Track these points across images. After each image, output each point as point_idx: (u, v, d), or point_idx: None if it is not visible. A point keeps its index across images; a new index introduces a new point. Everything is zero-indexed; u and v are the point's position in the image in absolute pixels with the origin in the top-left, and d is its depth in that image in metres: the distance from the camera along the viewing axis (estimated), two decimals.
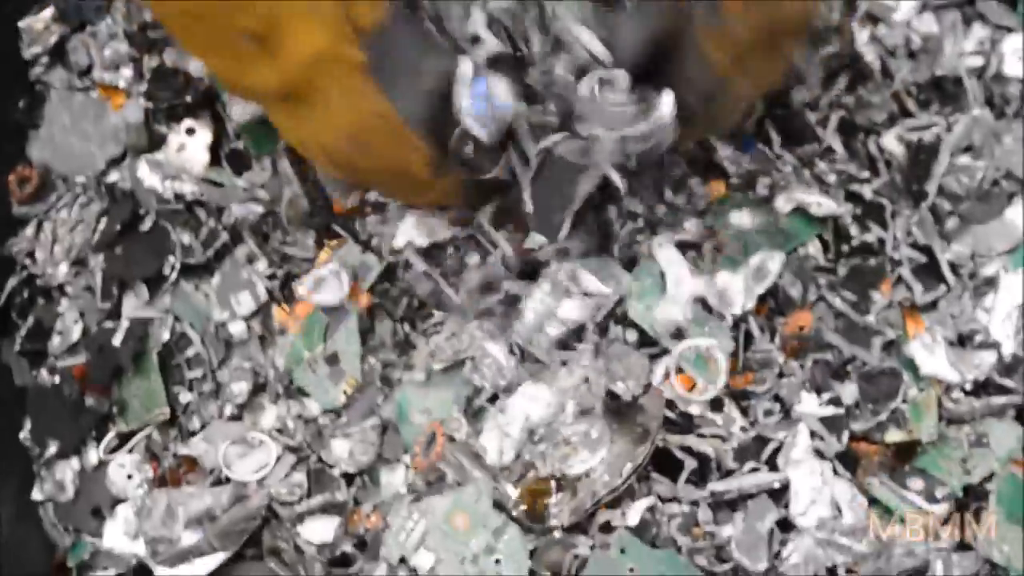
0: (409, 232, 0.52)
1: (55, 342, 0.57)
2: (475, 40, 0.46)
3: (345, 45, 0.43)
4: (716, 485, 0.46)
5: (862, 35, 0.52)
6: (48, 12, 0.58)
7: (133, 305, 0.56)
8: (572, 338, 0.49)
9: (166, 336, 0.55)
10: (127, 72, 0.58)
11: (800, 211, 0.51)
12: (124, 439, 0.55)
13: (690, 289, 0.48)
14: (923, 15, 0.53)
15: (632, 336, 0.49)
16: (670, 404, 0.47)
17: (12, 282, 0.57)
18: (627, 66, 0.44)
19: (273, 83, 0.44)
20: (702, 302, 0.49)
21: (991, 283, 0.48)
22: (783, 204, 0.50)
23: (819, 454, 0.46)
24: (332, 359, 0.53)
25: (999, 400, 0.46)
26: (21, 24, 0.58)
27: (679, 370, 0.48)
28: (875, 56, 0.52)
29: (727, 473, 0.46)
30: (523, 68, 0.46)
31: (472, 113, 0.45)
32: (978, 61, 0.53)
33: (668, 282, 0.48)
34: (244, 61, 0.44)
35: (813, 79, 0.53)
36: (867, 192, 0.51)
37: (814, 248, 0.51)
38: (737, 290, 0.48)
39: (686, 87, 0.44)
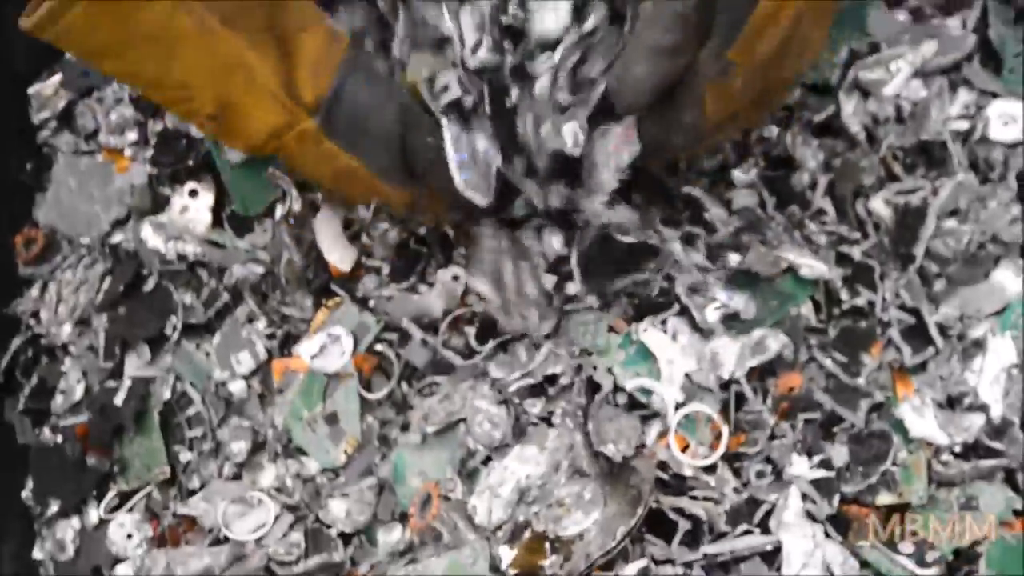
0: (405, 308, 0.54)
1: (58, 401, 0.58)
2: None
3: (295, 118, 0.45)
4: (709, 548, 0.46)
5: (848, 104, 0.53)
6: (56, 78, 0.60)
7: (135, 365, 0.57)
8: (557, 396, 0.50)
9: (167, 395, 0.56)
10: (132, 136, 0.60)
11: (792, 272, 0.52)
12: (125, 498, 0.56)
13: (683, 367, 0.49)
14: (911, 82, 0.55)
15: (622, 399, 0.49)
16: (663, 465, 0.48)
17: (17, 342, 0.58)
18: (631, 110, 0.46)
19: (246, 149, 0.46)
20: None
21: (979, 345, 0.48)
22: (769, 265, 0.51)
23: (811, 516, 0.46)
24: (331, 419, 0.54)
25: (988, 463, 0.46)
26: (30, 90, 0.60)
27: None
28: (860, 126, 0.53)
29: (720, 535, 0.47)
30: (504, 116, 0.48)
31: (467, 182, 0.46)
32: (963, 125, 0.54)
33: (661, 363, 0.49)
34: (217, 134, 0.46)
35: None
36: (856, 254, 0.52)
37: (806, 309, 0.52)
38: (731, 356, 0.49)
39: (677, 130, 0.46)
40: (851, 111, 0.53)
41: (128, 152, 0.59)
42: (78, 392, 0.57)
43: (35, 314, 0.59)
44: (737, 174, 0.54)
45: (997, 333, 0.48)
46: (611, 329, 0.51)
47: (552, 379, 0.51)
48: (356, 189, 0.50)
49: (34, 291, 0.59)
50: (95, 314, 0.57)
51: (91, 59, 0.44)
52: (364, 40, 0.48)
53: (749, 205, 0.54)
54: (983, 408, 0.47)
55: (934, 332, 0.49)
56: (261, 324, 0.57)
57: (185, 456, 0.55)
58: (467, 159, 0.47)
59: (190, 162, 0.58)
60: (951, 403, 0.48)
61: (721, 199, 0.54)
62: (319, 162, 0.47)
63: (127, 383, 0.56)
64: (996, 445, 0.46)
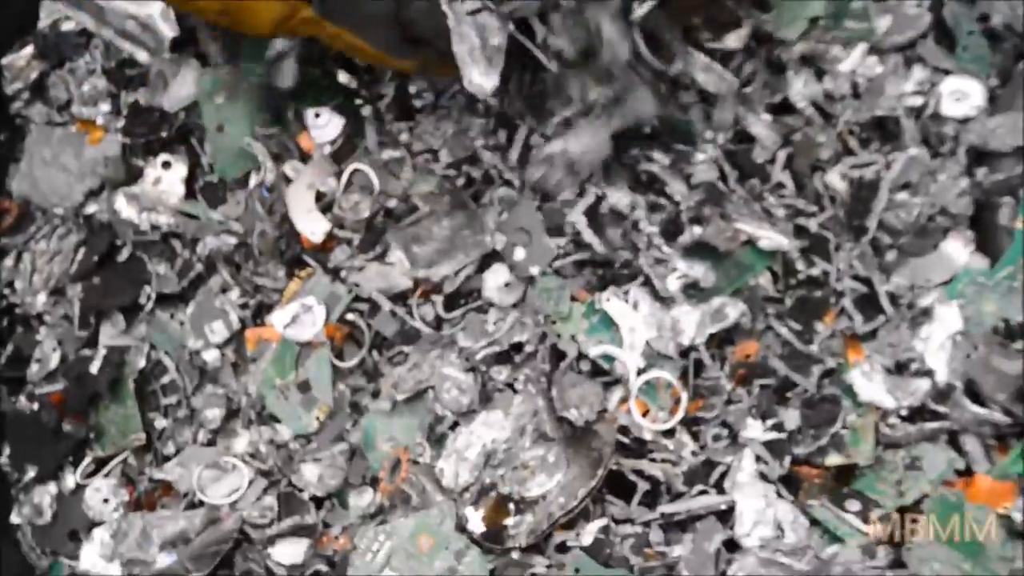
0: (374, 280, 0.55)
1: (34, 370, 0.59)
2: None
3: (295, 7, 0.47)
4: (667, 507, 0.48)
5: (798, 81, 0.55)
6: (29, 49, 0.60)
7: (110, 334, 0.58)
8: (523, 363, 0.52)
9: (142, 364, 0.57)
10: (105, 107, 0.60)
11: (751, 243, 0.54)
12: (101, 464, 0.57)
13: (644, 335, 0.50)
14: (867, 58, 0.56)
15: (586, 366, 0.51)
16: (623, 430, 0.50)
17: None
18: None
19: (257, 36, 0.51)
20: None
21: (927, 313, 0.50)
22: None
23: (763, 477, 0.48)
24: (304, 386, 0.55)
25: (932, 425, 0.48)
26: (3, 61, 0.60)
27: None
28: (807, 102, 0.55)
29: (677, 495, 0.49)
30: None
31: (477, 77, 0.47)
32: (917, 101, 0.55)
33: (623, 331, 0.51)
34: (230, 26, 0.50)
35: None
36: (813, 226, 0.54)
37: (764, 279, 0.54)
38: (691, 323, 0.51)
39: None
40: (801, 87, 0.55)
41: (101, 123, 0.60)
42: (53, 360, 0.58)
43: (10, 284, 0.59)
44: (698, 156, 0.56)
45: (944, 302, 0.50)
46: (574, 299, 0.53)
47: (518, 347, 0.53)
48: (368, 59, 0.52)
49: (8, 261, 0.59)
50: (70, 284, 0.58)
51: None
52: None
53: (710, 179, 0.56)
54: (929, 373, 0.49)
55: (885, 301, 0.51)
56: (234, 294, 0.58)
57: (160, 423, 0.57)
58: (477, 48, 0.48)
59: (163, 134, 0.58)
60: (899, 369, 0.50)
61: (682, 174, 0.56)
62: (328, 39, 0.50)
63: (102, 352, 0.57)
64: (940, 408, 0.48)
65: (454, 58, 0.49)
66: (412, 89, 0.59)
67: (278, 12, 0.48)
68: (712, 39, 0.55)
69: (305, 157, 0.58)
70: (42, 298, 0.58)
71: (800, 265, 0.53)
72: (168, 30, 0.58)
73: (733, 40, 0.56)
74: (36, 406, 0.57)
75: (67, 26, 0.60)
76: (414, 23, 0.49)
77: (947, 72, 0.55)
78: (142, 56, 0.59)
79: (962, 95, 0.55)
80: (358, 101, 0.58)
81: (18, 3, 0.61)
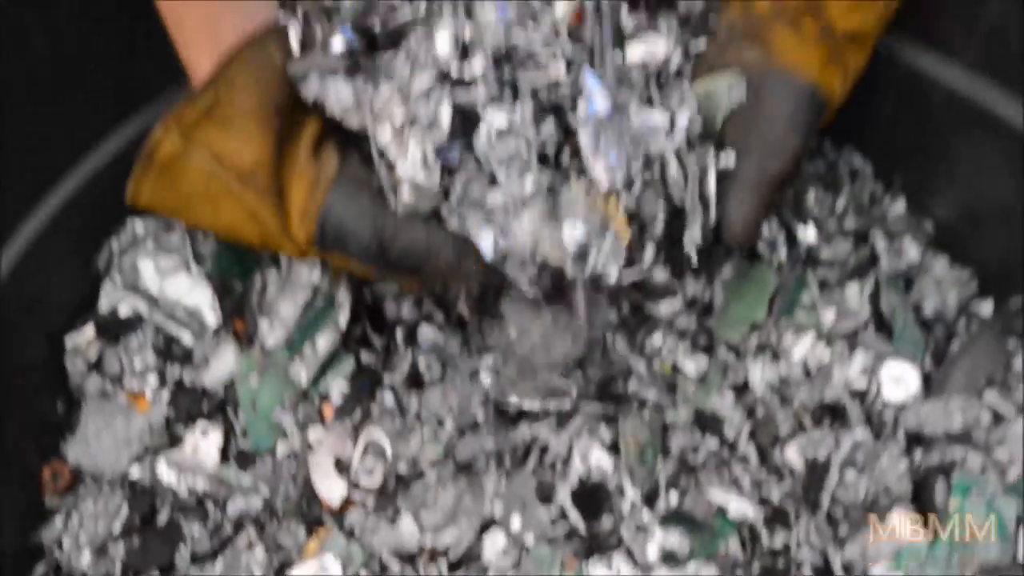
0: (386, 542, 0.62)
1: None
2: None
3: (305, 247, 0.57)
4: None
5: (755, 369, 0.63)
6: (90, 329, 0.69)
7: None
8: None
9: None
10: (153, 381, 0.68)
11: (722, 511, 0.60)
12: None
13: None
14: (817, 346, 0.65)
15: None
16: None
17: (40, 569, 0.65)
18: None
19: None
20: None
21: None
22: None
23: None
24: None
25: None
26: (67, 340, 0.69)
27: None
28: (767, 387, 0.63)
29: None
30: None
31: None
32: (862, 384, 0.64)
33: None
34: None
35: None
36: (775, 497, 0.61)
37: (734, 544, 0.60)
38: None
39: None
40: (759, 373, 0.63)
41: (149, 395, 0.68)
42: None
43: (58, 542, 0.66)
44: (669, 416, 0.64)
45: (891, 572, 0.57)
46: (564, 565, 0.59)
47: None
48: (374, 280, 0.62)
49: (58, 521, 0.66)
50: (112, 544, 0.64)
51: (171, 216, 0.61)
52: (352, 161, 0.58)
53: (684, 445, 0.64)
54: None
55: (839, 572, 0.57)
56: (259, 551, 0.64)
57: None
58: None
59: (204, 407, 0.67)
60: None
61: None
62: (342, 265, 0.60)
63: None
64: None
65: (444, 280, 0.59)
66: (422, 364, 0.67)
67: (294, 249, 0.58)
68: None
69: (326, 425, 0.66)
70: (87, 557, 0.64)
71: (764, 535, 0.59)
72: (213, 318, 0.68)
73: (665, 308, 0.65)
74: None
75: (123, 310, 0.69)
76: (405, 258, 0.57)
77: (886, 357, 0.64)
78: (187, 338, 0.68)
79: (900, 380, 0.63)
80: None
81: (81, 287, 0.71)
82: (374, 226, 0.57)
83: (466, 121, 0.55)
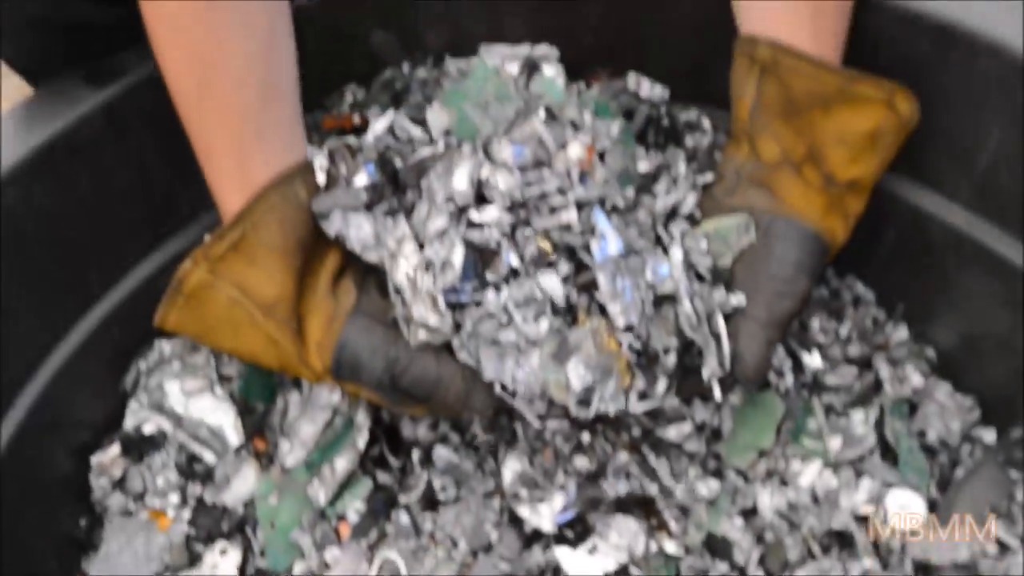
0: None
1: None
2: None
3: (320, 375, 0.61)
4: None
5: (764, 495, 0.64)
6: (116, 448, 0.71)
7: None
8: None
9: None
10: (174, 499, 0.70)
11: None
12: None
13: None
14: (824, 473, 0.66)
15: None
16: None
17: None
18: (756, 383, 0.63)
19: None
20: None
21: None
22: None
23: None
24: None
25: None
26: (92, 459, 0.71)
27: None
28: (774, 513, 0.64)
29: None
30: None
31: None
32: (870, 509, 0.65)
33: None
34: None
35: None
36: None
37: None
38: None
39: None
40: (767, 499, 0.64)
41: (170, 513, 0.70)
42: None
43: None
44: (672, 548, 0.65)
45: None
46: None
47: None
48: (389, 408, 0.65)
49: None
50: None
51: (196, 340, 0.62)
52: (370, 292, 0.62)
53: (696, 570, 0.65)
54: None
55: None
56: None
57: None
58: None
59: (223, 526, 0.68)
60: None
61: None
62: (355, 392, 0.63)
63: None
64: None
65: (453, 411, 0.61)
66: (438, 484, 0.69)
67: (310, 375, 0.61)
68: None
69: (342, 545, 0.67)
70: None
71: None
72: (235, 438, 0.70)
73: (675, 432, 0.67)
74: None
75: (148, 428, 0.71)
76: (414, 388, 0.60)
77: (892, 485, 0.66)
78: (209, 457, 0.70)
79: (906, 508, 0.64)
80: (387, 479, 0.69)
81: (108, 405, 0.73)
82: (387, 359, 0.59)
83: (480, 261, 0.58)
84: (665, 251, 0.60)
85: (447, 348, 0.60)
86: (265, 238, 0.58)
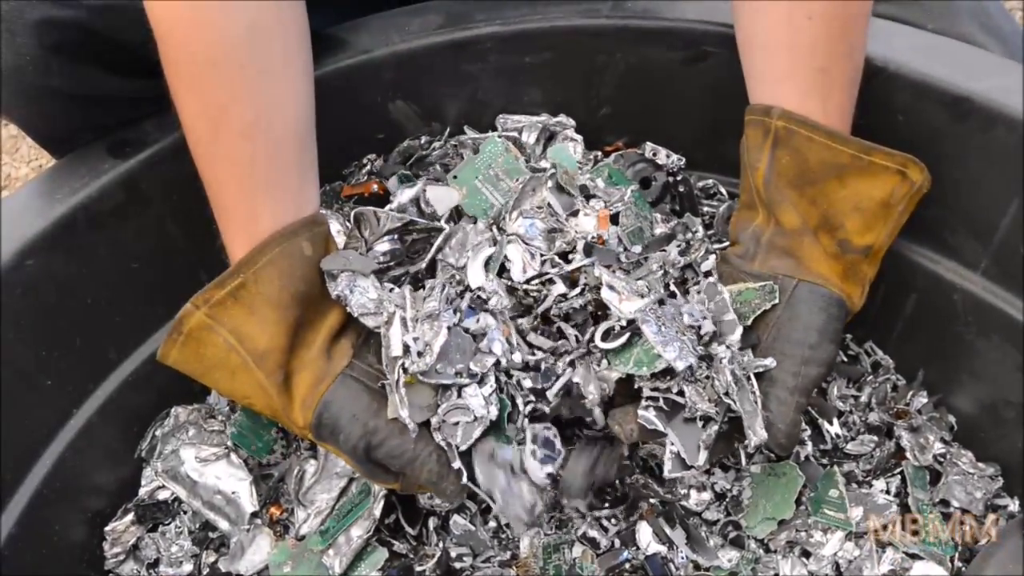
0: None
1: None
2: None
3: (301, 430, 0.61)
4: None
5: (785, 566, 0.63)
6: (129, 517, 0.71)
7: None
8: None
9: None
10: (188, 568, 0.69)
11: None
12: None
13: None
14: (845, 544, 0.65)
15: None
16: None
17: None
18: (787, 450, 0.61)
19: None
20: None
21: None
22: None
23: None
24: None
25: None
26: (107, 528, 0.70)
27: None
28: None
29: None
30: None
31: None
32: None
33: None
34: None
35: None
36: None
37: None
38: None
39: None
40: (788, 570, 0.63)
41: None
42: None
43: None
44: None
45: None
46: None
47: None
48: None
49: None
50: None
51: (194, 377, 0.62)
52: (364, 357, 0.61)
53: None
54: None
55: None
56: None
57: None
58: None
59: None
60: None
61: None
62: (335, 454, 0.62)
63: None
64: None
65: (420, 488, 0.62)
66: (454, 554, 0.68)
67: (296, 429, 0.61)
68: None
69: None
70: None
71: None
72: (249, 505, 0.69)
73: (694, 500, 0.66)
74: None
75: (163, 494, 0.71)
76: (389, 460, 0.60)
77: (915, 557, 0.65)
78: (224, 525, 0.69)
79: None
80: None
81: (122, 470, 0.72)
82: (365, 428, 0.59)
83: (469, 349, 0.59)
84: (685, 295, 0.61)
85: (426, 426, 0.60)
86: (264, 289, 0.59)
